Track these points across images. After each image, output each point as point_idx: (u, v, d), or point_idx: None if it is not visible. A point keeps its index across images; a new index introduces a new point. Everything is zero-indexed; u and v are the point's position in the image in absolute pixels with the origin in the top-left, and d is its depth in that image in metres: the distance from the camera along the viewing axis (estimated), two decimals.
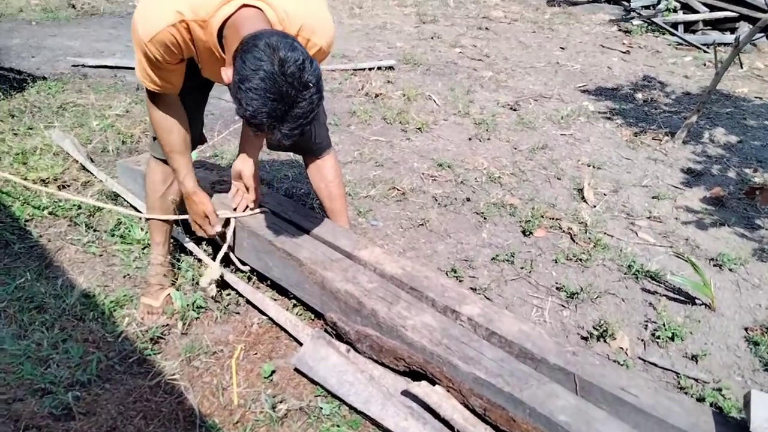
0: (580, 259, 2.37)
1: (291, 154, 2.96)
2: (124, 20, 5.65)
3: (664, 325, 1.98)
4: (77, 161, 2.57)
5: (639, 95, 4.53)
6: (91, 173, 2.51)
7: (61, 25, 5.29)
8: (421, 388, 1.41)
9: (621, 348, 1.89)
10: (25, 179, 2.35)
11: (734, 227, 2.69)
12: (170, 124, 1.64)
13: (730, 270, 2.36)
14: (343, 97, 3.97)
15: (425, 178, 3.00)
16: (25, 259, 1.98)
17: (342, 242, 1.85)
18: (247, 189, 1.90)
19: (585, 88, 4.68)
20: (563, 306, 2.13)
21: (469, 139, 3.53)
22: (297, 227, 1.92)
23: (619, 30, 6.59)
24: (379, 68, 4.59)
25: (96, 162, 2.75)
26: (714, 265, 2.41)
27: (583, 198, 2.90)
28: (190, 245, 2.03)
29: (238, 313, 1.87)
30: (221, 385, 1.58)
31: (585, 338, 1.96)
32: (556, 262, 2.36)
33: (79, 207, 2.27)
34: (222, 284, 1.88)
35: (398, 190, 2.84)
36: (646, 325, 2.04)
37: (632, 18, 6.83)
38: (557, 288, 2.21)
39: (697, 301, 2.16)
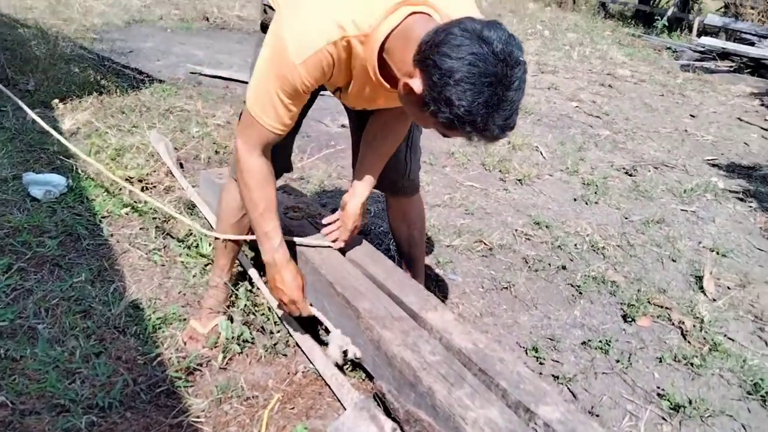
0: (692, 364, 1.98)
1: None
2: (250, 36, 5.89)
3: None
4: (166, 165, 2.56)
5: None
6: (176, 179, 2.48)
7: (192, 35, 5.60)
8: None
9: None
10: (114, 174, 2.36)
11: None
12: (266, 175, 1.39)
13: None
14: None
15: (518, 236, 2.71)
16: (89, 257, 1.94)
17: (410, 299, 1.62)
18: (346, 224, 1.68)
19: (715, 162, 4.17)
20: (664, 419, 1.75)
21: (574, 199, 3.20)
22: (364, 272, 1.72)
23: (762, 105, 5.93)
24: None
25: (185, 168, 2.74)
26: None
27: (701, 288, 2.48)
28: (253, 272, 1.89)
29: (285, 355, 1.70)
30: None
31: None
32: (660, 361, 1.98)
33: (155, 211, 2.23)
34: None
35: (485, 244, 2.58)
36: None
37: None
38: (659, 395, 1.84)
39: None
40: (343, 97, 1.40)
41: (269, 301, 1.80)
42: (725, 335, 2.18)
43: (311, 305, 1.59)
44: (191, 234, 2.14)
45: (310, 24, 1.17)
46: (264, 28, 1.52)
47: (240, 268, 1.97)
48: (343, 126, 3.68)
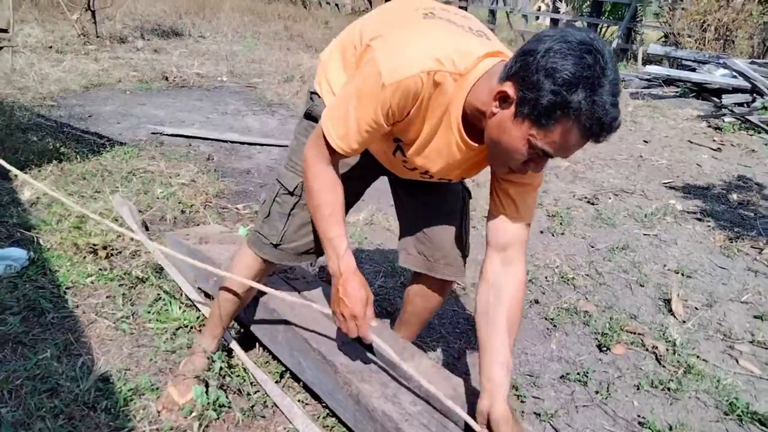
0: (669, 388, 2.00)
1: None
2: (210, 93, 5.94)
3: None
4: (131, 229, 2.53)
5: (733, 196, 4.12)
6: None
7: (151, 95, 5.60)
8: None
9: None
10: (76, 245, 2.31)
11: None
12: (334, 181, 1.31)
13: None
14: None
15: None
16: (54, 331, 1.88)
17: (387, 349, 1.61)
18: None
19: (671, 184, 4.33)
20: None
21: (541, 232, 3.27)
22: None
23: (709, 126, 6.22)
24: None
25: (151, 230, 2.71)
26: None
27: (670, 311, 2.53)
28: (235, 345, 1.86)
29: (263, 416, 1.66)
30: None
31: None
32: (638, 389, 2.00)
33: (122, 278, 2.19)
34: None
35: (459, 284, 2.60)
36: None
37: (723, 115, 6.46)
38: (640, 423, 1.85)
39: None
40: (406, 151, 1.30)
41: (244, 362, 1.77)
42: (698, 356, 2.22)
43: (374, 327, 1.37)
44: (160, 298, 2.10)
45: (408, 51, 1.13)
46: (308, 116, 1.49)
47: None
48: None
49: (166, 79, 6.26)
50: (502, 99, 1.04)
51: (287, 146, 4.43)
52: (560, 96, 0.96)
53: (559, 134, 1.01)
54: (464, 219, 1.65)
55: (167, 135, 4.23)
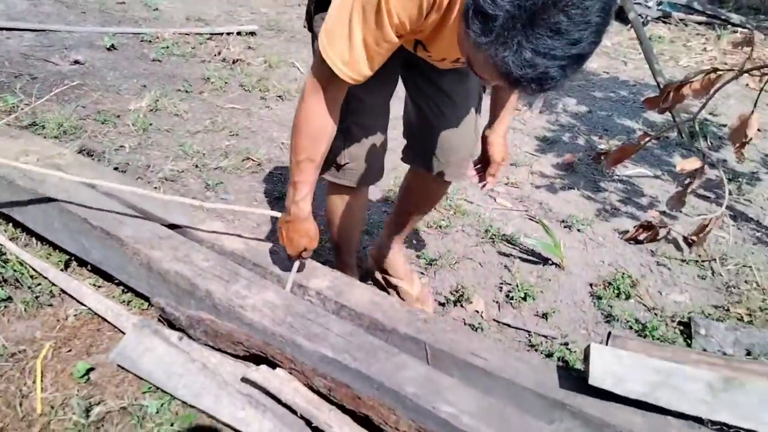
0: (440, 226, 2.35)
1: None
2: None
3: (517, 286, 2.01)
4: None
5: None
6: None
7: None
8: (259, 373, 1.27)
9: (477, 311, 1.88)
10: None
11: (582, 190, 2.82)
12: (325, 128, 1.19)
13: (579, 230, 2.46)
14: (196, 62, 3.64)
15: (284, 148, 2.81)
16: None
17: (175, 217, 1.63)
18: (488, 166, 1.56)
19: None
20: (422, 273, 2.08)
21: None
22: (120, 202, 1.66)
23: None
24: (239, 33, 4.27)
25: None
26: (564, 227, 2.50)
27: None
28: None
29: (51, 305, 1.59)
30: (20, 392, 1.32)
31: (442, 304, 1.93)
32: (416, 231, 2.31)
33: None
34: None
35: (254, 161, 2.64)
36: (501, 287, 2.06)
37: None
38: (417, 256, 2.16)
39: (548, 261, 2.22)
40: (429, 47, 1.15)
41: (18, 255, 1.65)
42: (465, 200, 2.61)
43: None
44: None
45: None
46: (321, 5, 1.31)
47: None
48: (77, 62, 3.29)
49: None
50: None
51: (43, 30, 3.81)
52: (477, 26, 0.77)
53: (483, 66, 0.83)
54: (478, 119, 1.57)
55: None
